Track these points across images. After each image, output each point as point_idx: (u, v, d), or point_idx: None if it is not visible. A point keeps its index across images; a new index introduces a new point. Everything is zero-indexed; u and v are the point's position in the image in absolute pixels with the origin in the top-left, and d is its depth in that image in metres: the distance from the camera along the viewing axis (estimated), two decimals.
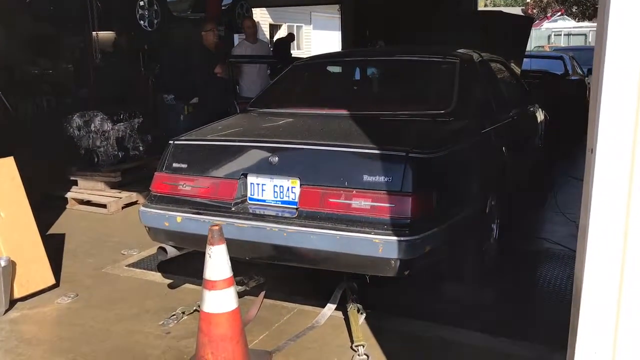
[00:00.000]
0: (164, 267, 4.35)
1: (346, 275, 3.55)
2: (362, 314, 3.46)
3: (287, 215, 3.27)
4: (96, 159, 6.46)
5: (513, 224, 4.95)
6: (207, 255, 2.91)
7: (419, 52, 4.56)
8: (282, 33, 23.40)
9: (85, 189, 6.43)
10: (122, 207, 6.15)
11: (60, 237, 5.23)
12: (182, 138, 3.72)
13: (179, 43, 10.65)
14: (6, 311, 3.74)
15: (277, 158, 3.30)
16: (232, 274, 2.92)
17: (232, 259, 2.85)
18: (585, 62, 12.19)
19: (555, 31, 26.04)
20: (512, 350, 3.19)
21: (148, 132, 7.13)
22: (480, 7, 18.39)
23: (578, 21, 30.96)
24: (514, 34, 6.82)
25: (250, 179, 3.41)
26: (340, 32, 15.87)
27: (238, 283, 3.75)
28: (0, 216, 3.84)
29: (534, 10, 31.88)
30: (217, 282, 2.90)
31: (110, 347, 3.34)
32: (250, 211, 3.37)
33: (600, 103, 1.41)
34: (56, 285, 4.14)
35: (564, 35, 25.99)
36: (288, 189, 3.30)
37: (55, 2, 9.88)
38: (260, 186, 3.39)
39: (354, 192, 3.07)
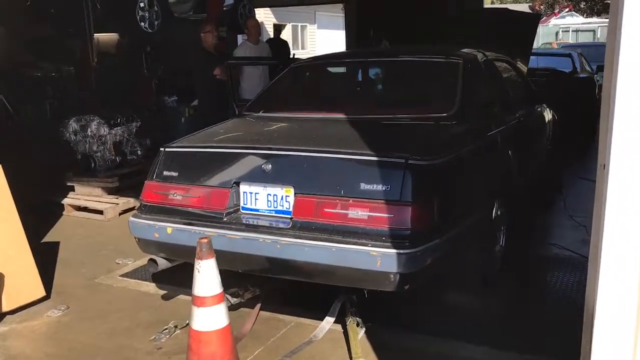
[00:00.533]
0: (159, 277, 4.20)
1: (345, 288, 3.39)
2: (361, 327, 3.31)
3: (281, 225, 3.12)
4: (93, 164, 6.34)
5: (521, 229, 4.78)
6: (195, 270, 2.77)
7: (420, 52, 4.39)
8: (286, 33, 23.29)
9: (82, 194, 6.30)
10: (119, 214, 6.02)
11: (55, 246, 5.11)
12: (173, 145, 3.58)
13: (181, 45, 10.54)
14: None
15: (270, 165, 3.15)
16: (222, 290, 2.78)
17: (226, 270, 2.71)
18: (594, 58, 11.97)
19: (563, 28, 25.75)
20: None
21: (148, 136, 7.00)
22: (487, 5, 18.17)
23: (586, 17, 30.64)
24: (520, 31, 6.62)
25: (243, 187, 3.26)
26: (344, 32, 15.66)
27: (233, 295, 3.62)
28: None
29: (541, 7, 31.58)
30: (207, 298, 2.75)
31: None
32: (243, 221, 3.22)
33: (614, 118, 1.25)
34: (47, 297, 4.01)
35: (572, 31, 25.70)
36: (282, 198, 3.15)
37: (56, 3, 9.80)
38: (253, 195, 3.23)
39: (351, 201, 2.91)
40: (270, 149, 3.26)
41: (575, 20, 28.24)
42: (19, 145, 8.62)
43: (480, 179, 3.50)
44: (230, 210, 3.26)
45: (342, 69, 4.79)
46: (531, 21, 7.31)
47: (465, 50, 4.35)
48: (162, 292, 4.08)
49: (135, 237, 3.51)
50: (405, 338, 3.32)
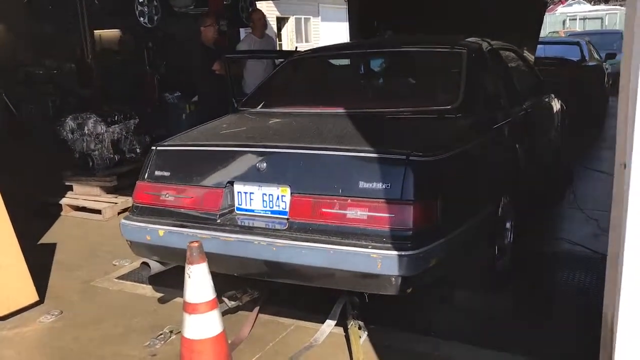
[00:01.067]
0: (155, 279, 4.07)
1: (346, 290, 3.25)
2: (364, 331, 3.16)
3: (276, 226, 2.97)
4: (91, 163, 6.21)
5: (529, 224, 4.61)
6: (186, 275, 2.64)
7: (422, 43, 4.22)
8: (289, 26, 23.08)
9: (80, 194, 6.18)
10: (118, 213, 5.89)
11: (51, 247, 4.99)
12: (165, 144, 3.44)
13: (182, 40, 10.42)
14: None
15: (265, 164, 3.00)
16: (215, 296, 2.65)
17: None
18: (602, 46, 11.76)
19: (570, 16, 25.36)
20: None
21: (148, 133, 6.87)
22: None
23: (594, 5, 30.20)
24: (526, 19, 6.41)
25: (237, 187, 3.12)
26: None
27: (230, 298, 3.49)
28: None
29: None
30: (199, 305, 2.62)
31: None
32: (238, 222, 3.08)
33: (636, 113, 1.09)
34: (40, 301, 3.89)
35: (580, 19, 25.31)
36: (278, 198, 3.01)
37: (55, 0, 9.69)
38: (247, 195, 3.09)
39: (349, 200, 2.77)
40: (265, 146, 3.12)
41: (582, 8, 27.81)
42: (20, 143, 8.57)
43: (486, 175, 3.34)
44: (224, 211, 3.12)
45: (341, 61, 4.63)
46: (537, 8, 7.10)
47: (469, 39, 4.18)
48: (159, 295, 3.96)
49: (127, 240, 3.38)
50: (410, 341, 3.18)
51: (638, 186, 1.16)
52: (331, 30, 22.54)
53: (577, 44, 10.03)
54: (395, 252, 2.60)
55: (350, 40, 14.36)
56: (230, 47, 10.09)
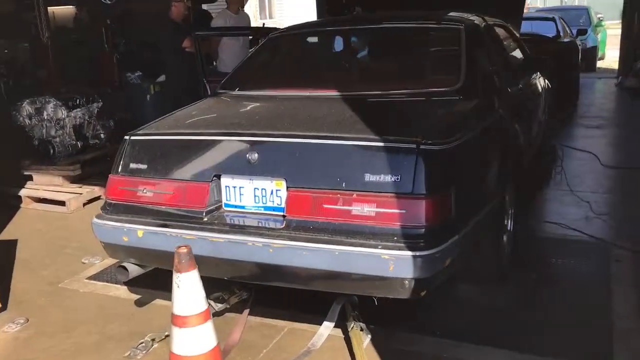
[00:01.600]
0: (131, 279, 3.74)
1: None
2: (366, 334, 2.92)
3: (272, 225, 2.68)
4: (52, 151, 5.76)
5: (525, 209, 4.43)
6: (174, 285, 2.32)
7: (415, 18, 3.92)
8: (252, 2, 22.43)
9: (41, 184, 5.73)
10: (84, 204, 5.49)
11: (12, 245, 4.58)
12: (140, 132, 3.08)
13: (143, 16, 9.93)
14: None
15: (256, 154, 2.69)
16: (207, 306, 2.34)
17: None
18: (569, 23, 11.68)
19: None
20: None
21: (111, 117, 6.43)
22: None
23: None
24: None
25: (225, 180, 2.80)
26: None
27: (217, 300, 3.19)
28: None
29: None
30: (189, 317, 2.31)
31: None
32: (227, 220, 2.77)
33: None
34: (3, 308, 3.53)
35: None
36: (272, 193, 2.70)
37: None
38: (237, 189, 2.78)
39: (355, 195, 2.49)
40: (255, 134, 2.80)
41: None
42: None
43: (494, 161, 3.10)
44: (211, 207, 2.81)
45: (329, 39, 4.29)
46: None
47: (463, 15, 3.90)
48: (135, 296, 3.63)
49: (101, 242, 3.03)
50: (415, 342, 2.96)
51: None
52: (296, 7, 22.00)
53: (553, 19, 9.90)
54: (409, 253, 2.34)
55: (318, 17, 13.99)
56: (195, 24, 9.68)
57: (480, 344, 2.91)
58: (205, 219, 2.77)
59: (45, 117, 5.70)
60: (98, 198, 5.50)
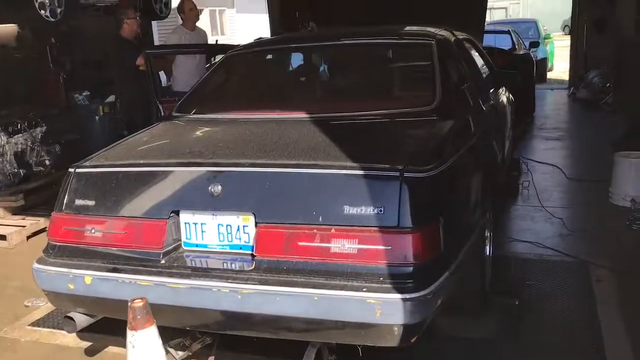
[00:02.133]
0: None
1: None
2: None
3: (240, 267, 2.38)
4: None
5: (499, 229, 4.26)
6: (128, 344, 2.01)
7: (384, 34, 3.70)
8: (203, 19, 22.06)
9: None
10: (27, 237, 5.06)
11: None
12: (86, 164, 2.74)
13: (91, 34, 9.49)
14: None
15: (219, 186, 2.39)
16: None
17: None
18: (519, 35, 11.81)
19: None
20: None
21: (57, 141, 6.00)
22: None
23: None
24: (470, 6, 6.07)
25: (184, 216, 2.49)
26: (267, 15, 14.79)
27: (178, 347, 2.85)
28: None
29: None
30: None
31: None
32: (188, 262, 2.46)
33: None
34: None
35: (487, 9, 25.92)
36: (238, 229, 2.41)
37: None
38: (198, 226, 2.47)
39: (333, 230, 2.22)
40: (218, 164, 2.50)
41: None
42: None
43: (477, 183, 2.89)
44: (169, 248, 2.49)
45: (294, 56, 4.01)
46: None
47: (431, 29, 3.70)
48: (86, 344, 3.26)
49: (43, 291, 2.67)
50: None
51: None
52: (248, 23, 21.73)
53: (508, 32, 9.93)
54: (397, 296, 2.08)
55: (271, 33, 13.77)
56: (150, 41, 9.30)
57: None
58: (163, 262, 2.44)
59: None
60: (44, 230, 5.06)
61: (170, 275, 2.37)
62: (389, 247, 2.15)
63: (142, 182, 2.59)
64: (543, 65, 14.33)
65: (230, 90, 3.68)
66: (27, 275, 4.08)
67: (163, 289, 2.34)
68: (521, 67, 8.83)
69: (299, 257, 2.25)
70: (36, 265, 2.63)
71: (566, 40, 15.70)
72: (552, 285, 3.70)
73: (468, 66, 3.65)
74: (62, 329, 3.39)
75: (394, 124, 2.89)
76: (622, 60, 9.32)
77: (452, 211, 2.43)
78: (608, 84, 10.22)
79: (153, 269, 2.42)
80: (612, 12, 10.25)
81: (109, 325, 3.01)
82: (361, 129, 2.85)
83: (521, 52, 9.76)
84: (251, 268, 2.33)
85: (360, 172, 2.26)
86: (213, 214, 2.44)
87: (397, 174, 2.22)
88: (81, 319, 2.69)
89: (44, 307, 3.76)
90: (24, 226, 5.08)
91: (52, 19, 8.63)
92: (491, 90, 4.21)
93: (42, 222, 5.12)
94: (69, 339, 3.34)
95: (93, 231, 2.56)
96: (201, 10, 21.50)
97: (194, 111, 3.36)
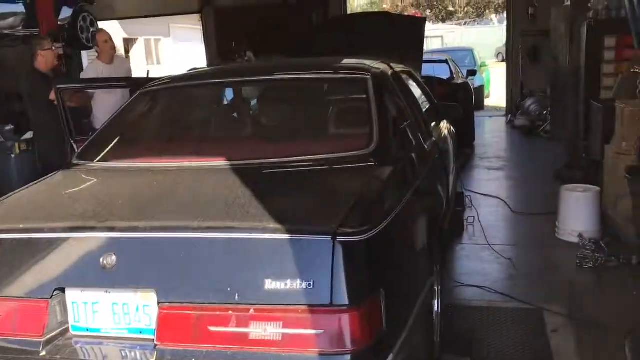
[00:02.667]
0: None
1: None
2: None
3: (139, 356, 1.93)
4: None
5: (445, 275, 3.93)
6: None
7: (316, 67, 3.35)
8: (138, 48, 21.43)
9: None
10: None
11: None
12: None
13: (8, 65, 8.86)
14: None
15: (114, 257, 1.95)
16: None
17: None
18: (456, 63, 11.85)
19: None
20: None
21: None
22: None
23: (433, 24, 31.83)
24: (406, 36, 5.86)
25: (71, 295, 2.03)
26: (203, 45, 14.42)
27: None
28: None
29: None
30: None
31: None
32: (77, 351, 1.99)
33: None
34: None
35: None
36: (137, 309, 1.97)
37: None
38: (89, 306, 2.02)
39: (252, 311, 1.81)
40: (112, 228, 2.05)
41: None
42: None
43: (422, 237, 2.55)
44: (53, 334, 2.02)
45: (215, 93, 3.58)
46: (416, 25, 6.63)
47: (366, 62, 3.38)
48: None
49: None
50: None
51: None
52: (184, 51, 21.22)
53: (446, 61, 9.88)
54: None
55: (208, 63, 13.37)
56: (71, 74, 8.78)
57: None
58: (43, 353, 1.97)
59: None
60: None
61: None
62: (321, 331, 1.76)
63: (20, 253, 2.11)
64: (480, 92, 14.47)
65: (142, 133, 3.22)
66: None
67: None
68: (460, 96, 8.77)
69: (211, 346, 1.82)
70: None
71: (502, 67, 15.94)
72: (506, 338, 3.40)
73: (407, 101, 3.34)
74: None
75: (328, 172, 2.52)
76: (557, 88, 9.39)
77: (396, 278, 2.06)
78: (545, 112, 10.29)
79: None
80: (546, 42, 10.37)
81: None
82: (290, 179, 2.46)
83: (459, 81, 9.70)
84: (152, 358, 1.88)
85: (285, 237, 1.86)
86: (107, 291, 1.99)
87: (329, 238, 1.83)
88: None
89: None
90: None
91: None
92: (432, 124, 3.94)
93: None
94: None
95: None
96: (135, 40, 20.99)
97: (97, 159, 2.89)
